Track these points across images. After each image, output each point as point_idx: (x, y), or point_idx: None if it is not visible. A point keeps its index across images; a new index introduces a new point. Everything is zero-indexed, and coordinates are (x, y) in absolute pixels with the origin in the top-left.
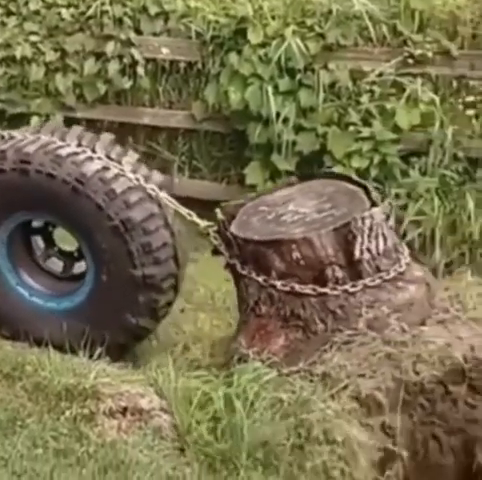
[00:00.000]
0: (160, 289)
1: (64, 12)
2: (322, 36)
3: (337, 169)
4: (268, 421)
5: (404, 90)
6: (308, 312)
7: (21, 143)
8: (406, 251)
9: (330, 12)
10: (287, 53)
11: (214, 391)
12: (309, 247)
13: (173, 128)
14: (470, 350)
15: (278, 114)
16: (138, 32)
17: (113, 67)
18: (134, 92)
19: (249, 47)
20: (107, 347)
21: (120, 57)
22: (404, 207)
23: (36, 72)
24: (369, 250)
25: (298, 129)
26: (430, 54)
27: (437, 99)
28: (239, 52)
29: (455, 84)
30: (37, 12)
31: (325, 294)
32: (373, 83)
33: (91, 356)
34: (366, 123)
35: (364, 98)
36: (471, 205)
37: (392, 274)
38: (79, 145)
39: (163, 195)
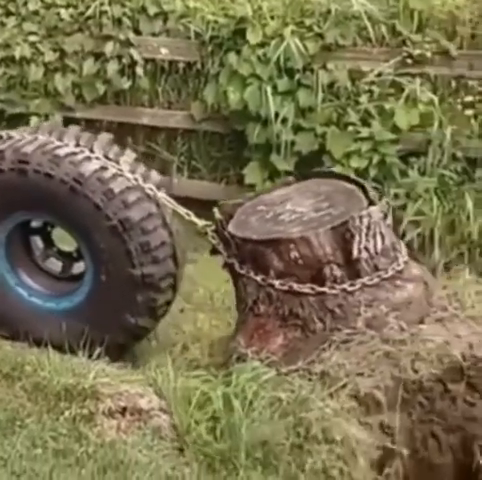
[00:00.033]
0: (159, 288)
1: (63, 12)
2: (321, 36)
3: (336, 169)
4: (267, 420)
5: (403, 90)
6: (307, 311)
7: (19, 143)
8: (404, 249)
9: (329, 12)
10: (286, 53)
11: (213, 391)
12: (307, 246)
13: (172, 128)
14: (468, 348)
15: (277, 114)
16: (137, 32)
17: (112, 67)
18: (133, 92)
19: (248, 47)
20: (106, 347)
21: (119, 57)
22: (403, 207)
23: (35, 72)
24: (367, 249)
25: (297, 129)
26: (429, 54)
27: (436, 99)
28: (238, 52)
29: (454, 84)
30: (36, 12)
31: (323, 293)
32: (372, 83)
33: (90, 356)
34: (365, 123)
35: (363, 98)
36: (470, 205)
37: (390, 273)
38: (77, 145)
39: (161, 195)
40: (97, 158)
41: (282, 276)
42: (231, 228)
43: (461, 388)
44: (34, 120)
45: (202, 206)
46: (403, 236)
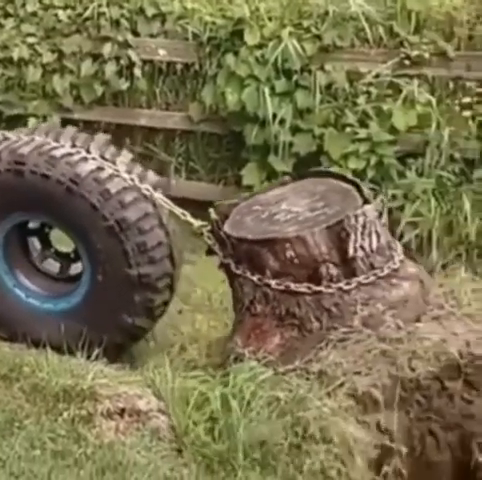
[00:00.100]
0: (156, 288)
1: (61, 14)
2: (319, 37)
3: (334, 170)
4: (265, 420)
5: (401, 91)
6: (303, 310)
7: (16, 144)
8: (400, 248)
9: (326, 13)
10: (284, 54)
11: (211, 391)
12: (303, 245)
13: (170, 129)
14: (465, 346)
15: (275, 115)
16: (135, 34)
17: (110, 68)
18: (131, 93)
19: (246, 48)
20: (104, 347)
21: (117, 58)
22: (401, 208)
23: (33, 73)
24: (363, 248)
25: (295, 130)
26: (427, 55)
27: (434, 100)
28: (236, 53)
29: (452, 85)
30: (34, 14)
31: (320, 292)
32: (370, 84)
33: (89, 357)
34: (363, 124)
35: (361, 99)
36: (467, 206)
37: (386, 271)
38: (73, 146)
39: (157, 195)
40: (93, 159)
41: (278, 276)
42: (227, 228)
43: (458, 386)
44: (32, 121)
45: (200, 207)
46: (401, 237)
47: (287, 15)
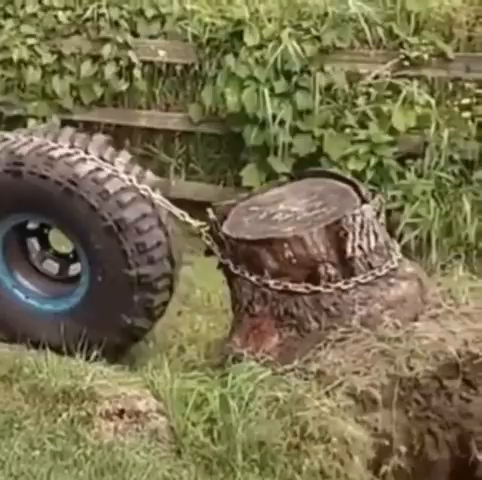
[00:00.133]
0: (155, 289)
1: (61, 15)
2: (318, 38)
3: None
4: (264, 420)
5: (400, 92)
6: (301, 310)
7: (14, 145)
8: (397, 247)
9: (326, 14)
10: (283, 55)
11: (209, 391)
12: (301, 245)
13: (170, 130)
14: (464, 344)
15: (274, 116)
16: (135, 35)
17: (110, 70)
18: (131, 94)
19: (245, 49)
20: (104, 348)
21: (117, 60)
22: (400, 209)
23: (33, 75)
24: (361, 247)
25: (294, 131)
26: (426, 56)
27: (433, 101)
28: (235, 54)
29: (451, 86)
30: (34, 15)
31: (318, 292)
32: (369, 85)
33: (88, 358)
34: (362, 125)
35: (360, 100)
36: (467, 207)
37: (384, 271)
38: (72, 146)
39: (156, 196)
40: (92, 159)
41: (277, 276)
42: (225, 229)
43: (457, 384)
44: (32, 122)
45: (200, 208)
46: (400, 238)
47: (287, 16)
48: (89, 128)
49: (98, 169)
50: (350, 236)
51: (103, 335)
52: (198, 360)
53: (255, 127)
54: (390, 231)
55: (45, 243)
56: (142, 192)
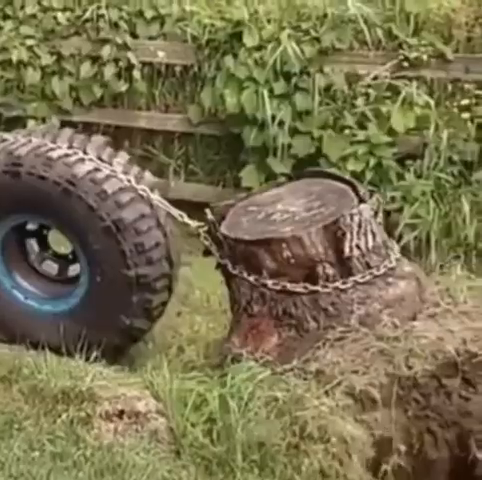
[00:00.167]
0: (154, 289)
1: (60, 16)
2: (317, 40)
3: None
4: (263, 420)
5: (399, 93)
6: (300, 310)
7: (12, 146)
8: (395, 247)
9: (325, 16)
10: (282, 57)
11: (209, 392)
12: (299, 245)
13: (169, 131)
14: (462, 343)
15: (274, 117)
16: (134, 36)
17: (109, 71)
18: (130, 95)
19: (245, 51)
20: (103, 349)
21: (116, 61)
22: (399, 210)
23: (32, 76)
24: (359, 247)
25: (294, 132)
26: (425, 57)
27: (432, 102)
28: (235, 56)
29: (450, 87)
30: (33, 16)
31: (316, 292)
32: (368, 86)
33: (87, 359)
34: (361, 126)
35: (359, 101)
36: (466, 208)
37: (382, 270)
38: (70, 147)
39: (154, 196)
40: (90, 160)
41: (275, 276)
42: (223, 229)
43: (456, 383)
44: (31, 123)
45: (199, 209)
46: (400, 239)
47: (286, 17)
48: (88, 129)
49: (96, 169)
50: (348, 236)
51: (102, 336)
52: (197, 360)
53: (254, 128)
54: (389, 232)
55: (44, 244)
56: (140, 192)
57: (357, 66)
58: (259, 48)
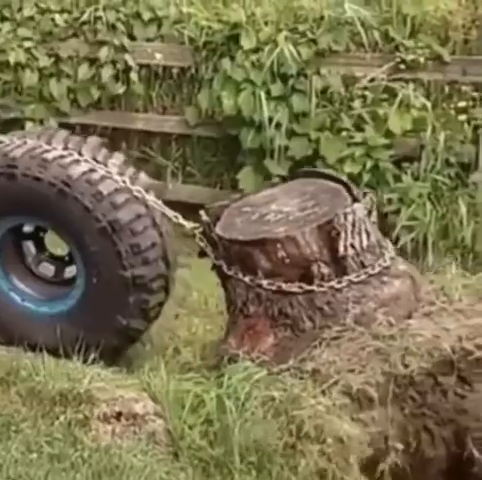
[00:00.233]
0: (150, 290)
1: (58, 18)
2: (314, 42)
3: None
4: (260, 420)
5: (396, 95)
6: (296, 310)
7: (8, 147)
8: (390, 246)
9: (322, 18)
10: (279, 59)
11: (206, 393)
12: (294, 245)
13: (166, 133)
14: (458, 341)
15: (271, 119)
16: (131, 38)
17: (107, 72)
18: (128, 97)
19: (242, 53)
20: (100, 350)
21: (114, 63)
22: (396, 212)
23: (30, 77)
24: (353, 246)
25: (291, 134)
26: (422, 59)
27: (429, 104)
28: (232, 58)
29: (447, 89)
30: (31, 18)
31: (312, 291)
32: (365, 88)
33: (85, 361)
34: (358, 128)
35: (356, 103)
36: (463, 210)
37: (377, 269)
38: (65, 148)
39: (149, 197)
40: (85, 161)
41: (270, 276)
42: (218, 230)
43: (452, 381)
44: (29, 125)
45: (196, 211)
46: (397, 241)
47: (283, 19)
48: (86, 131)
49: (92, 170)
50: (342, 235)
51: (99, 337)
52: (194, 362)
53: (251, 130)
54: (387, 234)
55: (41, 246)
56: (136, 193)
57: (354, 68)
58: (256, 50)
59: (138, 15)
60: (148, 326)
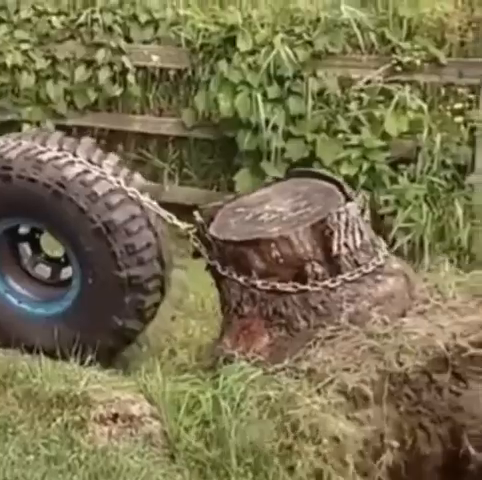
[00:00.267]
0: (146, 290)
1: (55, 20)
2: (311, 44)
3: None
4: (255, 420)
5: (392, 97)
6: (290, 310)
7: (3, 149)
8: (383, 244)
9: (318, 20)
10: (276, 61)
11: (201, 393)
12: (287, 245)
13: (163, 135)
14: (452, 338)
15: (267, 121)
16: (128, 40)
17: (103, 75)
18: (124, 99)
19: (238, 55)
20: (97, 351)
21: (110, 65)
22: (393, 214)
23: (27, 80)
24: (346, 245)
25: (287, 136)
26: (418, 62)
27: (425, 106)
28: (228, 60)
29: (443, 91)
30: (28, 20)
31: (306, 291)
32: (361, 90)
33: (82, 362)
34: (355, 130)
35: (353, 105)
36: (459, 212)
37: (371, 268)
38: (60, 149)
39: (144, 198)
40: (80, 162)
41: (264, 276)
42: (212, 231)
43: (446, 378)
44: (26, 127)
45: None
46: (393, 243)
47: (279, 22)
48: (83, 133)
49: (86, 171)
50: (336, 234)
51: (95, 338)
52: (190, 363)
53: (248, 132)
54: (383, 236)
55: (37, 248)
56: (130, 194)
57: (350, 70)
58: (253, 52)
59: (135, 17)
60: (144, 327)
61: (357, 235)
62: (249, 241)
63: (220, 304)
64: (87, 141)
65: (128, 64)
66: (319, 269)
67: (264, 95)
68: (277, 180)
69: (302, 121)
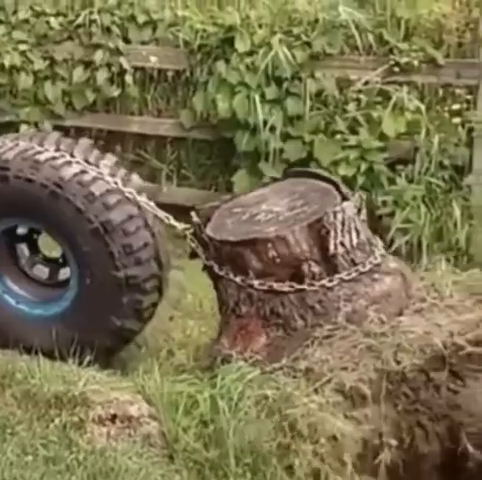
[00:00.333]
0: (143, 290)
1: (53, 21)
2: (309, 45)
3: None
4: (253, 419)
5: (390, 98)
6: (287, 309)
7: (0, 150)
8: (380, 243)
9: (316, 21)
10: (274, 62)
11: (199, 394)
12: (284, 245)
13: (161, 136)
14: (449, 336)
15: (265, 122)
16: (126, 41)
17: (102, 75)
18: (122, 100)
19: (236, 56)
20: (95, 352)
21: (108, 65)
22: (391, 215)
23: (25, 80)
24: (343, 244)
25: (285, 137)
26: (416, 62)
27: (423, 107)
28: (227, 61)
29: (441, 92)
30: (26, 21)
31: (303, 290)
32: (359, 91)
33: (80, 363)
34: (353, 131)
35: (350, 106)
36: (457, 213)
37: (368, 266)
38: (57, 150)
39: (141, 198)
40: (77, 162)
41: (261, 276)
42: (209, 231)
43: (444, 376)
44: (24, 128)
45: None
46: (391, 243)
47: (277, 22)
48: (81, 134)
49: (83, 172)
50: (332, 233)
51: (94, 338)
52: (187, 363)
53: (246, 133)
54: (381, 236)
55: (34, 248)
56: (127, 195)
57: (348, 71)
58: (251, 53)
59: (133, 18)
60: (142, 327)
61: (354, 234)
62: (246, 241)
63: (218, 304)
64: (84, 142)
65: (126, 65)
66: (316, 268)
67: (262, 96)
68: (275, 180)
69: (300, 122)
